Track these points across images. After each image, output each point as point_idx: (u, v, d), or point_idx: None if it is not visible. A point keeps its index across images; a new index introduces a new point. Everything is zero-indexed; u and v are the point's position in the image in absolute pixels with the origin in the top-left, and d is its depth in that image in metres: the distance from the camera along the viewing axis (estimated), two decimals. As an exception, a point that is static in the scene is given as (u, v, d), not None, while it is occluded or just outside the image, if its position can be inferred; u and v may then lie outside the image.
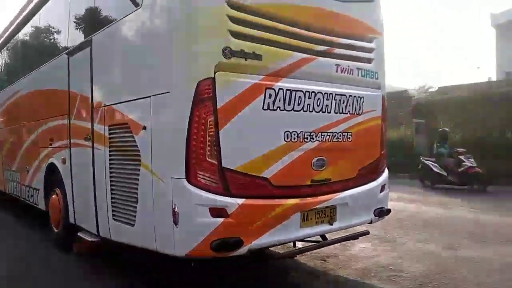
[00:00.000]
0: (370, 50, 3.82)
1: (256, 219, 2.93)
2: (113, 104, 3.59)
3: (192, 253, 2.77)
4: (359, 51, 3.71)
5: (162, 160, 2.94)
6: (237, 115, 2.88)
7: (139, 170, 3.20)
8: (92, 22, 4.13)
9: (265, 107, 3.01)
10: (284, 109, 3.11)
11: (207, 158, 2.76)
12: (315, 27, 3.32)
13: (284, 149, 3.12)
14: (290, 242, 3.69)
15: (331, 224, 3.44)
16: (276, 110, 3.07)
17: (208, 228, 2.74)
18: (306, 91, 3.23)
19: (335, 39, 3.48)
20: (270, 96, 3.03)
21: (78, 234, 4.35)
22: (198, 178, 2.75)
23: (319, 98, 3.32)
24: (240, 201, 2.84)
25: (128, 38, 3.42)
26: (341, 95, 3.49)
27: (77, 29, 4.52)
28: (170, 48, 2.87)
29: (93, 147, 3.94)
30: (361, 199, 3.68)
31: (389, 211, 3.97)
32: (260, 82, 2.99)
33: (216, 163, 2.79)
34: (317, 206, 3.31)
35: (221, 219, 2.77)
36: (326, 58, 3.40)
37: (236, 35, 2.86)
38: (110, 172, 3.62)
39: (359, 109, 3.67)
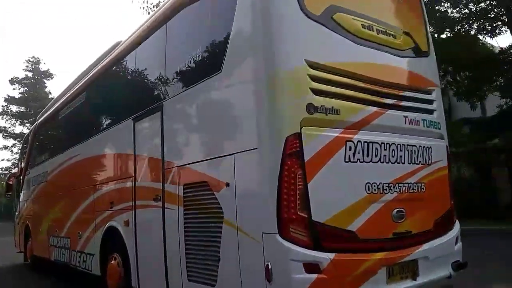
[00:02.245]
0: (431, 102, 3.94)
1: (347, 274, 2.88)
2: (188, 164, 3.71)
3: None
4: (422, 103, 3.83)
5: (250, 216, 2.97)
6: (323, 168, 2.94)
7: (221, 227, 3.22)
8: (162, 89, 4.38)
9: (347, 159, 3.08)
10: (364, 161, 3.17)
11: (298, 212, 2.79)
12: (383, 82, 3.48)
13: (366, 201, 3.13)
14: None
15: (415, 280, 3.33)
16: (356, 162, 3.13)
17: (303, 284, 2.70)
18: (381, 143, 3.31)
19: (401, 92, 3.62)
20: (350, 148, 3.11)
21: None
22: (291, 233, 2.75)
23: (393, 149, 3.38)
24: (331, 255, 2.81)
25: (207, 101, 3.60)
26: (412, 145, 3.55)
27: (143, 95, 4.79)
28: (256, 108, 3.02)
29: (163, 207, 4.01)
30: (439, 252, 3.58)
31: (466, 264, 3.83)
32: (340, 135, 3.09)
33: (307, 216, 2.81)
34: (401, 260, 3.23)
35: (315, 275, 2.73)
36: (395, 111, 3.51)
37: (317, 92, 3.02)
38: (185, 232, 3.65)
39: (429, 160, 3.70)
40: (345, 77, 3.22)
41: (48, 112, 8.71)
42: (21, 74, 37.50)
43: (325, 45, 3.20)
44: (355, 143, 3.14)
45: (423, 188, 3.58)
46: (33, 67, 37.12)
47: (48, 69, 38.59)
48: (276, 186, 2.80)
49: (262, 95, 3.01)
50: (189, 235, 3.62)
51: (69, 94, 7.37)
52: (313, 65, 3.04)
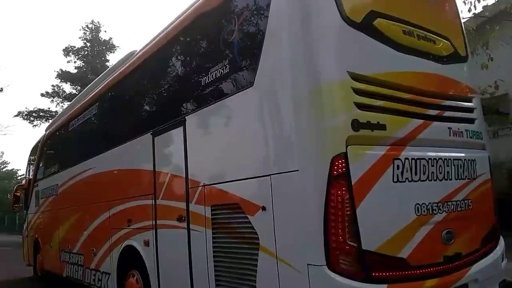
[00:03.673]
0: (472, 110, 3.69)
1: None
2: (216, 184, 3.46)
3: None
4: (464, 112, 3.58)
5: (292, 245, 2.72)
6: (371, 191, 2.69)
7: (257, 254, 2.97)
8: (185, 102, 4.14)
9: (395, 179, 2.83)
10: (412, 180, 2.92)
11: (347, 241, 2.53)
12: (426, 91, 3.23)
13: (416, 224, 2.88)
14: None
15: None
16: (405, 181, 2.87)
17: None
18: (428, 159, 3.05)
19: (443, 102, 3.37)
20: (398, 167, 2.85)
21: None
22: (340, 264, 2.50)
23: (440, 165, 3.13)
24: (384, 287, 2.56)
25: (237, 117, 3.34)
26: (457, 159, 3.30)
27: (164, 109, 4.55)
28: (296, 126, 2.77)
29: (188, 228, 3.76)
30: (488, 273, 3.32)
31: None
32: (387, 153, 2.84)
33: (356, 245, 2.55)
34: (453, 286, 2.98)
35: None
36: (439, 122, 3.26)
37: (361, 106, 2.77)
38: (215, 256, 3.40)
39: (474, 173, 3.45)
40: (389, 89, 2.96)
41: (59, 123, 8.46)
42: (77, 44, 28.10)
43: (367, 55, 2.95)
44: (403, 161, 2.88)
45: (470, 205, 3.32)
46: (91, 36, 27.69)
47: (110, 38, 28.25)
48: (322, 213, 2.55)
49: (302, 112, 2.75)
50: (219, 260, 3.36)
51: (82, 104, 7.11)
52: (356, 77, 2.79)
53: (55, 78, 27.41)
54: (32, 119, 27.30)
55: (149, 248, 4.43)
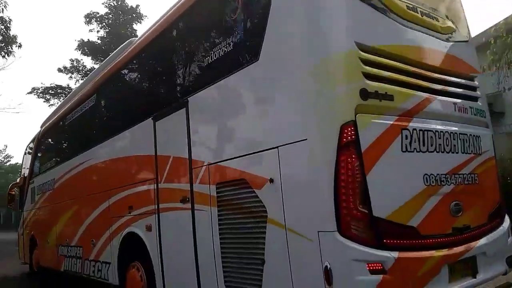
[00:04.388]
0: (475, 88, 3.71)
1: (411, 274, 2.62)
2: (221, 162, 3.43)
3: None
4: (468, 89, 3.61)
5: (301, 214, 2.70)
6: (380, 159, 2.69)
7: (265, 227, 2.95)
8: (186, 84, 4.11)
9: (404, 148, 2.83)
10: (420, 151, 2.92)
11: (358, 207, 2.52)
12: (430, 66, 3.25)
13: (425, 194, 2.88)
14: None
15: (475, 277, 3.09)
16: (413, 151, 2.87)
17: (368, 287, 2.42)
18: (435, 131, 3.06)
19: (448, 78, 3.40)
20: (406, 137, 2.85)
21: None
22: (352, 230, 2.48)
23: (447, 138, 3.14)
24: (395, 254, 2.55)
25: (241, 93, 3.33)
26: (463, 134, 3.31)
27: (164, 93, 4.52)
28: (304, 96, 2.75)
29: (193, 208, 3.73)
30: (495, 247, 3.32)
31: None
32: (395, 123, 2.84)
33: (367, 212, 2.54)
34: (462, 257, 2.98)
35: (380, 276, 2.46)
36: (444, 97, 3.28)
37: (369, 76, 2.77)
38: (221, 234, 3.37)
39: (479, 149, 3.46)
40: (395, 61, 2.97)
41: (56, 117, 8.37)
42: (101, 10, 25.08)
43: (373, 27, 2.96)
44: (411, 131, 2.89)
45: (476, 180, 3.33)
46: (116, 2, 24.50)
47: (138, 6, 25.00)
48: (332, 180, 2.53)
49: (310, 82, 2.74)
50: (225, 237, 3.34)
51: (79, 96, 7.04)
52: (363, 48, 2.79)
53: (76, 49, 23.82)
54: (48, 97, 24.38)
55: (151, 232, 4.38)
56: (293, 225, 2.74)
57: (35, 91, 24.16)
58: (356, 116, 2.63)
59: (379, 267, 2.47)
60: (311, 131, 2.67)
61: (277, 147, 2.88)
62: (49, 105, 24.19)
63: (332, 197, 2.51)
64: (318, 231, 2.55)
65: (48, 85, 24.12)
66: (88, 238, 6.10)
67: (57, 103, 22.69)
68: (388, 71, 2.90)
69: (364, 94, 2.69)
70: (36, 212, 9.08)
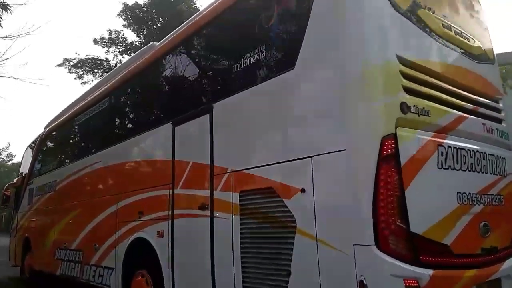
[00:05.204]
0: (500, 111, 3.73)
1: None
2: (246, 169, 3.38)
3: None
4: (494, 111, 3.62)
5: (336, 226, 2.64)
6: (418, 174, 2.65)
7: (293, 238, 2.88)
8: (212, 89, 4.08)
9: (440, 165, 2.80)
10: (454, 168, 2.91)
11: (397, 222, 2.47)
12: (463, 85, 3.27)
13: (458, 212, 2.84)
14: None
15: None
16: (448, 169, 2.86)
17: None
18: (468, 150, 3.05)
19: (478, 98, 3.42)
20: (442, 153, 2.84)
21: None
22: (390, 245, 2.43)
23: (477, 157, 3.13)
24: (430, 272, 2.49)
25: (274, 101, 3.27)
26: (491, 155, 3.31)
27: (187, 97, 4.47)
28: (344, 106, 2.73)
29: (212, 216, 3.65)
30: None
31: None
32: (432, 138, 2.83)
33: (405, 227, 2.49)
34: (489, 278, 2.93)
35: None
36: (475, 117, 3.29)
37: (408, 90, 2.76)
38: (242, 243, 3.30)
39: (504, 171, 3.46)
40: (432, 77, 2.98)
41: (63, 118, 8.26)
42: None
43: (412, 42, 2.98)
44: (446, 148, 2.87)
45: (502, 201, 3.31)
46: None
47: None
48: (371, 193, 2.49)
49: (351, 92, 2.72)
50: (248, 246, 3.26)
51: (89, 99, 6.97)
52: (404, 62, 2.79)
53: (118, 15, 20.31)
54: (81, 72, 20.61)
55: (163, 238, 4.28)
56: (325, 237, 2.68)
57: (66, 63, 20.94)
58: (396, 129, 2.61)
59: (415, 284, 2.42)
60: (350, 142, 2.64)
61: (310, 156, 2.84)
62: (81, 83, 20.96)
63: (371, 210, 2.47)
64: (354, 244, 2.49)
65: (82, 57, 20.72)
66: (90, 243, 5.95)
67: (92, 80, 19.96)
68: (426, 87, 2.90)
69: (404, 107, 2.67)
70: (33, 214, 8.87)
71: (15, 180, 10.88)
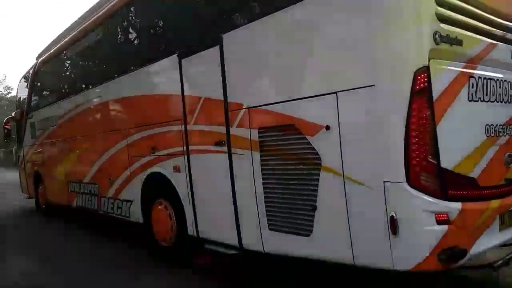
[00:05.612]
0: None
1: (472, 224, 2.63)
2: (265, 105, 3.28)
3: (418, 267, 2.45)
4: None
5: (364, 163, 2.63)
6: (449, 108, 2.58)
7: (318, 174, 2.89)
8: (221, 19, 3.79)
9: (470, 97, 2.73)
10: (483, 100, 2.83)
11: (428, 158, 2.45)
12: (491, 9, 3.05)
13: (485, 145, 2.83)
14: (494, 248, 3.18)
15: None
16: (478, 101, 2.78)
17: (436, 237, 2.43)
18: (497, 79, 2.95)
19: (504, 23, 3.20)
20: (472, 85, 2.74)
21: (206, 246, 4.05)
22: (421, 181, 2.44)
23: (505, 87, 3.04)
24: (459, 205, 2.53)
25: (294, 30, 3.05)
26: None
27: (193, 27, 4.19)
28: (374, 38, 2.54)
29: (230, 152, 3.64)
30: None
31: None
32: (464, 70, 2.71)
33: (436, 162, 2.48)
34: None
35: (445, 226, 2.46)
36: (504, 44, 3.12)
37: (441, 19, 2.57)
38: (264, 178, 3.32)
39: (530, 101, 3.37)
40: (464, 2, 2.77)
41: (55, 49, 7.85)
42: None
43: None
44: (476, 79, 2.77)
45: None
46: None
47: None
48: (403, 130, 2.43)
49: (380, 22, 2.52)
50: (270, 182, 3.28)
51: (85, 25, 6.51)
52: None
53: None
54: None
55: (180, 173, 4.32)
56: (352, 174, 2.68)
57: None
58: (429, 61, 2.47)
59: (445, 218, 2.47)
60: (380, 77, 2.51)
61: (335, 92, 2.74)
62: None
63: (403, 147, 2.43)
64: (384, 181, 2.50)
65: None
66: (104, 176, 6.02)
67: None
68: (458, 13, 2.70)
69: (438, 37, 2.51)
70: (39, 148, 8.88)
71: (13, 114, 10.73)
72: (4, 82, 44.10)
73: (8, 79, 40.98)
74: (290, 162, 3.11)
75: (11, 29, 49.00)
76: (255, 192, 3.38)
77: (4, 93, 42.41)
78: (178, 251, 4.51)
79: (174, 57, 4.25)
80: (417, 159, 2.43)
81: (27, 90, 9.53)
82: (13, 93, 39.74)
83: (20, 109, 10.11)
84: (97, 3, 6.29)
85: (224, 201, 3.71)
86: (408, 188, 2.42)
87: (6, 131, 11.15)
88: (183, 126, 4.22)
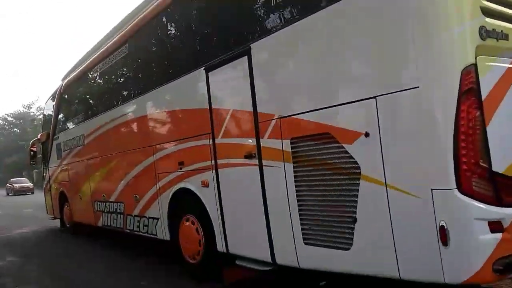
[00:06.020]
0: None
1: None
2: (297, 114, 3.17)
3: (471, 279, 2.25)
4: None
5: (408, 170, 2.46)
6: (498, 108, 2.42)
7: (357, 184, 2.74)
8: (249, 28, 3.73)
9: None
10: (532, 98, 2.64)
11: (479, 162, 2.28)
12: None
13: None
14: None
15: None
16: None
17: (489, 246, 2.24)
18: None
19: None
20: (521, 82, 2.56)
21: (237, 262, 3.91)
22: (473, 187, 2.26)
23: None
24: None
25: (329, 33, 2.93)
26: None
27: (220, 40, 4.15)
28: (416, 37, 2.41)
29: (260, 164, 3.52)
30: None
31: None
32: (511, 66, 2.53)
33: (488, 166, 2.31)
34: None
35: (500, 234, 2.27)
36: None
37: (487, 12, 2.43)
38: (298, 191, 3.18)
39: None
40: None
41: (80, 69, 7.99)
42: None
43: None
44: None
45: None
46: None
47: None
48: (451, 133, 2.27)
49: (423, 19, 2.40)
50: (304, 194, 3.14)
51: (109, 45, 6.59)
52: None
53: None
54: None
55: (208, 188, 4.22)
56: (395, 182, 2.52)
57: None
58: (477, 59, 2.32)
59: (499, 225, 2.28)
60: (425, 78, 2.37)
61: (374, 97, 2.60)
62: None
63: (452, 152, 2.27)
64: (432, 189, 2.33)
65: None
66: (129, 194, 5.99)
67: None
68: (503, 6, 2.56)
69: (484, 32, 2.37)
70: (65, 168, 8.98)
71: (39, 136, 10.94)
72: (36, 103, 45.49)
73: (40, 99, 42.50)
74: (326, 172, 2.97)
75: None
76: (289, 205, 3.25)
77: (37, 114, 43.66)
78: (206, 267, 4.39)
79: (201, 70, 4.22)
80: (468, 163, 2.26)
81: (52, 111, 9.71)
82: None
83: (46, 131, 10.30)
84: (120, 22, 6.37)
85: (255, 215, 3.59)
86: (459, 195, 2.25)
87: (32, 153, 11.36)
88: (211, 140, 4.14)
